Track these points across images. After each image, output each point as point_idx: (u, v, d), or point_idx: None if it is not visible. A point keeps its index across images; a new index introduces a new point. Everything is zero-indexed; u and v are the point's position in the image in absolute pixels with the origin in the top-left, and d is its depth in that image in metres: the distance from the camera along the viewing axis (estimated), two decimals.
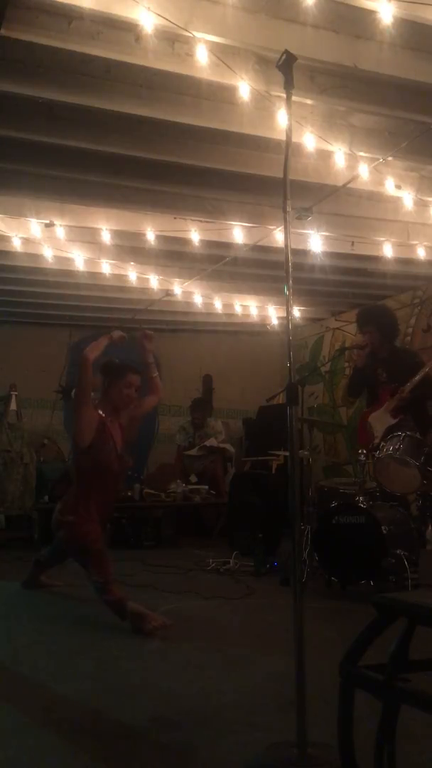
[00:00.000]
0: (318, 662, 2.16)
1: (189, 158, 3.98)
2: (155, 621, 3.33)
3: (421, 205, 4.69)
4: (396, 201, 4.58)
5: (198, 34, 2.84)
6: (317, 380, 8.18)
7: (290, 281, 2.18)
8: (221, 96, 3.40)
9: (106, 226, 4.97)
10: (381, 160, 3.97)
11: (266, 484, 6.01)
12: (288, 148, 2.17)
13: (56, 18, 2.82)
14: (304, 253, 5.36)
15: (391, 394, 4.63)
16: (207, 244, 5.26)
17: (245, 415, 8.32)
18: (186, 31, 2.81)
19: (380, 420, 4.67)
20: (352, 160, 3.95)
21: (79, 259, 5.59)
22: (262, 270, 5.99)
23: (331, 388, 8.17)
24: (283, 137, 2.53)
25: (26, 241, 5.17)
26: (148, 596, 3.98)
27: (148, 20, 2.74)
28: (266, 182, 4.12)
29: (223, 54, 2.99)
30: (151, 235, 5.03)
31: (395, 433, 4.31)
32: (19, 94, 3.27)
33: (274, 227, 4.97)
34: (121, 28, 2.90)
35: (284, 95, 2.22)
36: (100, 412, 3.80)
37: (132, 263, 5.94)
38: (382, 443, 4.34)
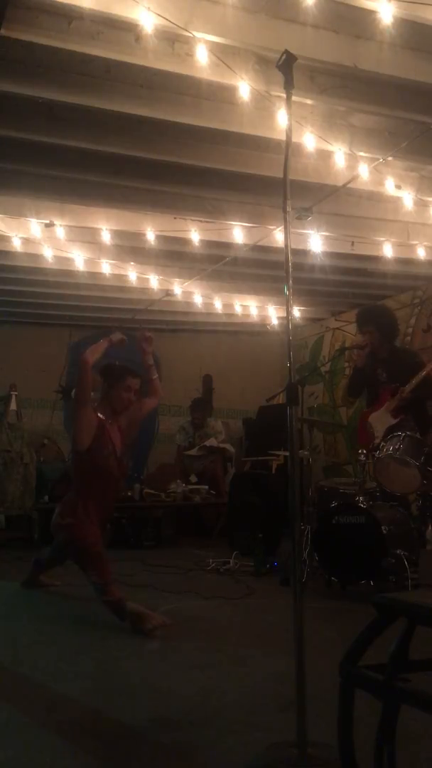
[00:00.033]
0: (318, 662, 2.16)
1: (189, 158, 3.99)
2: (155, 620, 3.33)
3: (421, 205, 4.69)
4: (396, 201, 4.58)
5: (198, 34, 2.85)
6: (317, 380, 8.18)
7: (290, 281, 2.18)
8: (221, 96, 3.40)
9: (106, 226, 4.97)
10: (381, 160, 3.97)
11: (266, 484, 6.00)
12: (288, 148, 2.16)
13: (56, 18, 2.82)
14: (304, 253, 5.36)
15: (391, 394, 4.64)
16: (207, 244, 5.26)
17: (245, 415, 8.31)
18: (186, 31, 2.81)
19: (380, 420, 4.67)
20: (352, 160, 3.95)
21: (79, 259, 5.59)
22: (262, 270, 5.99)
23: (331, 388, 8.17)
24: (283, 137, 2.54)
25: (26, 241, 5.17)
26: (148, 596, 3.98)
27: (148, 20, 2.74)
28: (266, 182, 4.12)
29: (223, 54, 3.00)
30: (151, 235, 5.03)
31: (395, 433, 4.31)
32: (19, 94, 3.28)
33: (274, 227, 4.97)
34: (121, 28, 2.90)
35: (284, 95, 2.22)
36: (100, 415, 3.80)
37: (132, 263, 5.94)
38: (382, 443, 4.35)
